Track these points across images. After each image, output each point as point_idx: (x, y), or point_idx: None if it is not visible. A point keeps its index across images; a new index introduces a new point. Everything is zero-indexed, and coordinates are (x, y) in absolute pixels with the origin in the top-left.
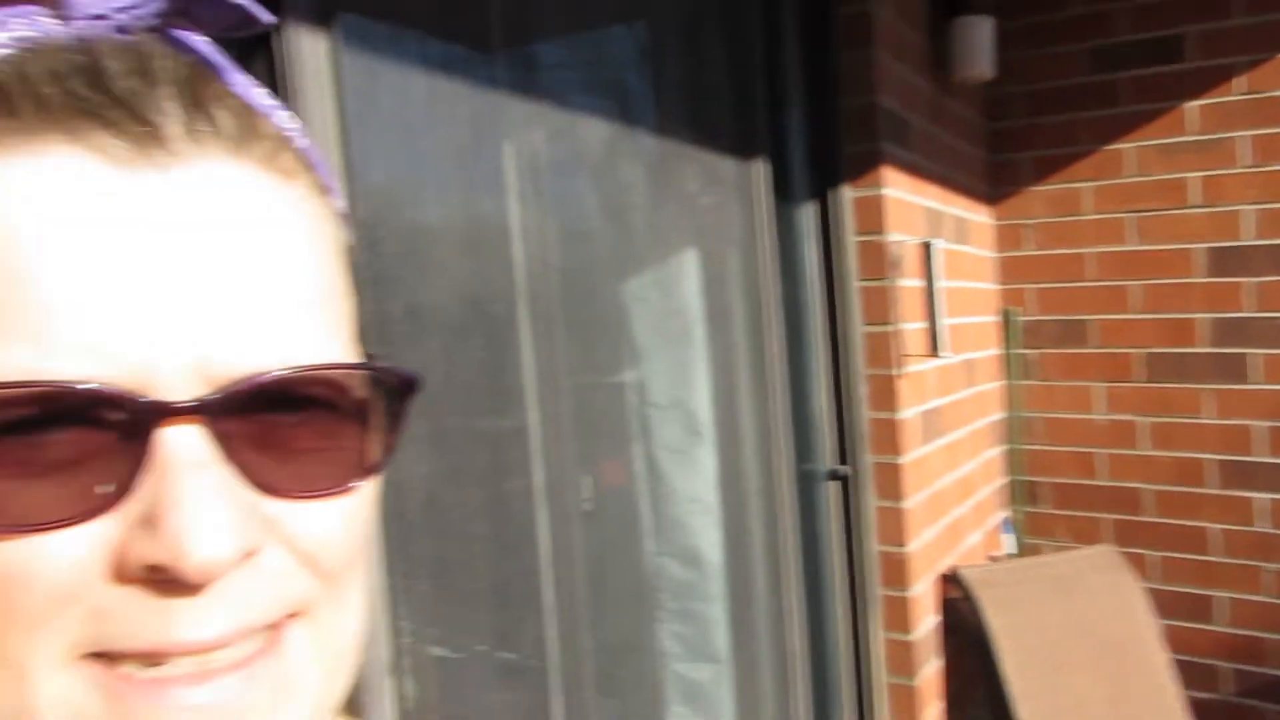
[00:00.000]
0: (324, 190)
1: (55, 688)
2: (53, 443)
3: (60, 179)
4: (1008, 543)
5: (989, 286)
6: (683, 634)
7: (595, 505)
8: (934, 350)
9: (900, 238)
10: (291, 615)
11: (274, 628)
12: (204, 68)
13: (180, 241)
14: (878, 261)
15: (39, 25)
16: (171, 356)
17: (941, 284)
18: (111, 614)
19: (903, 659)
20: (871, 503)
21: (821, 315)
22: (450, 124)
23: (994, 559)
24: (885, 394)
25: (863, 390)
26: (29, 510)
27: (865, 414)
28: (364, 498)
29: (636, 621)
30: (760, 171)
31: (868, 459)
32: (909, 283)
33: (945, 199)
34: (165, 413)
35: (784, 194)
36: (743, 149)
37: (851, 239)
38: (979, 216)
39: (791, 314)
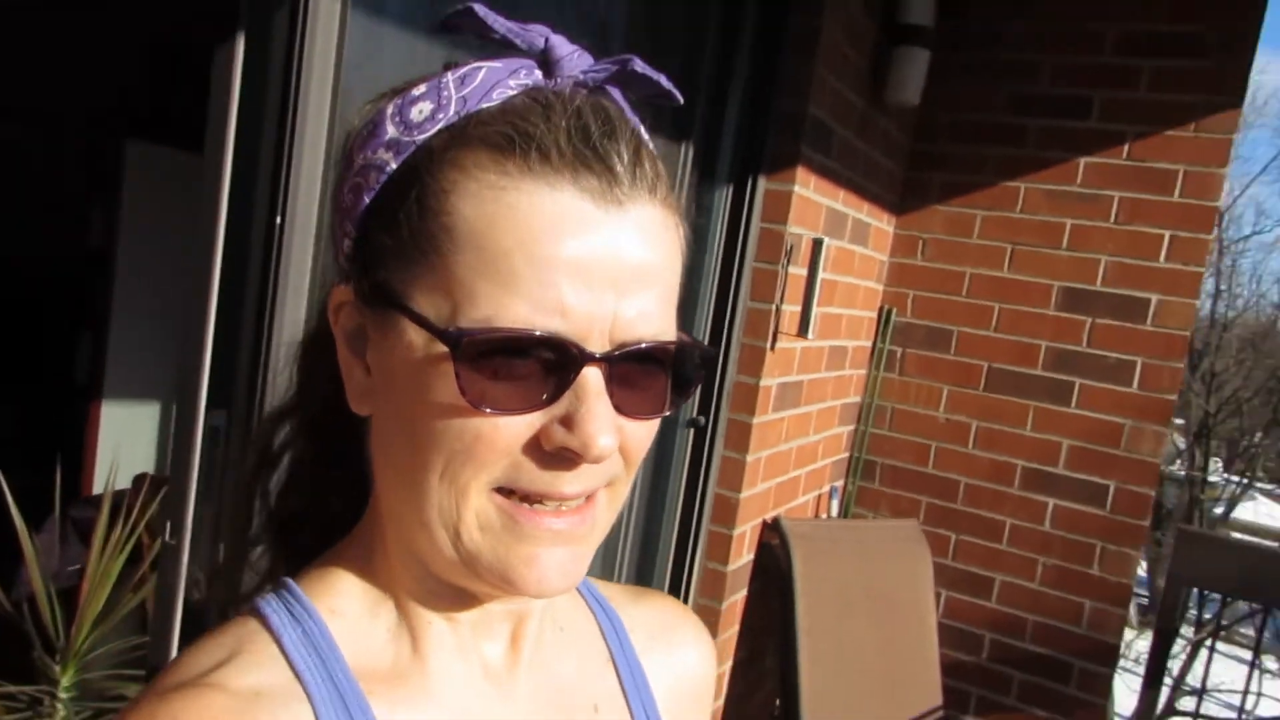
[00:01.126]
0: (682, 216)
1: (477, 503)
2: (522, 364)
3: (566, 209)
4: (834, 508)
5: (875, 286)
6: None
7: None
8: (802, 332)
9: (798, 231)
10: (606, 485)
11: (592, 493)
12: (632, 122)
13: (621, 257)
14: (774, 248)
15: (535, 78)
16: (599, 325)
17: (822, 276)
18: (523, 468)
19: (715, 586)
20: (720, 452)
21: (715, 287)
22: None
23: (816, 519)
24: (754, 363)
25: (735, 356)
26: (502, 401)
27: (733, 377)
28: (658, 420)
29: None
30: (688, 152)
31: (725, 415)
32: (798, 270)
33: (852, 203)
34: (591, 359)
35: (706, 175)
36: (677, 130)
37: (756, 225)
38: (881, 224)
39: (688, 283)
